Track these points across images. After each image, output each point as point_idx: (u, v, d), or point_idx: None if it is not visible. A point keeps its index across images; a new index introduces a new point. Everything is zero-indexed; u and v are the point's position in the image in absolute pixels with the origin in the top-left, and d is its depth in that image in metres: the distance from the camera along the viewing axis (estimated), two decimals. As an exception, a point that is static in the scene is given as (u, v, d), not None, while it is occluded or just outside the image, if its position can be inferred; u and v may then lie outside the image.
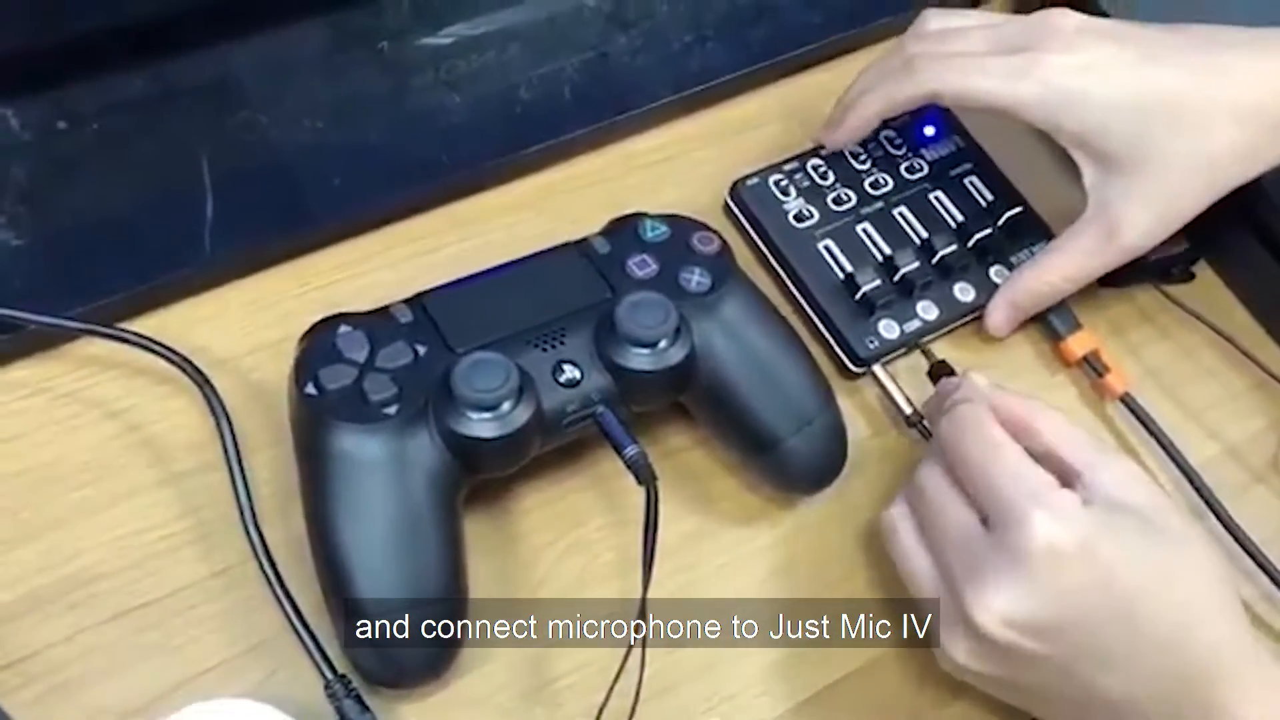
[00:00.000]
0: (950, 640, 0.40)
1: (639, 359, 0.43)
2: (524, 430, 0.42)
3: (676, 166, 0.56)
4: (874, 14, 0.60)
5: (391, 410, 0.41)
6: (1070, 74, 0.47)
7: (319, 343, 0.43)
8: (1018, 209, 0.54)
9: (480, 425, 0.41)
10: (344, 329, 0.43)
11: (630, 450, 0.42)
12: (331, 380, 0.41)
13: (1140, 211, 0.48)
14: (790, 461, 0.46)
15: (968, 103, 0.49)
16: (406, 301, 0.44)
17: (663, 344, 0.44)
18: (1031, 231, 0.54)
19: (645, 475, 0.42)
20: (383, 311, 0.44)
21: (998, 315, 0.52)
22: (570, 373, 0.43)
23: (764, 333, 0.46)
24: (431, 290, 0.45)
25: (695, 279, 0.46)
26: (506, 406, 0.41)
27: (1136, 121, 0.47)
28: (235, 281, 0.49)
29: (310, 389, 0.41)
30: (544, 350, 0.44)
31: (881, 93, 0.50)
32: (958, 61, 0.49)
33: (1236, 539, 0.49)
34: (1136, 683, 0.38)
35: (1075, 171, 0.52)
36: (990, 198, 0.55)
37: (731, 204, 0.54)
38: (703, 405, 0.46)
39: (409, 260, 0.51)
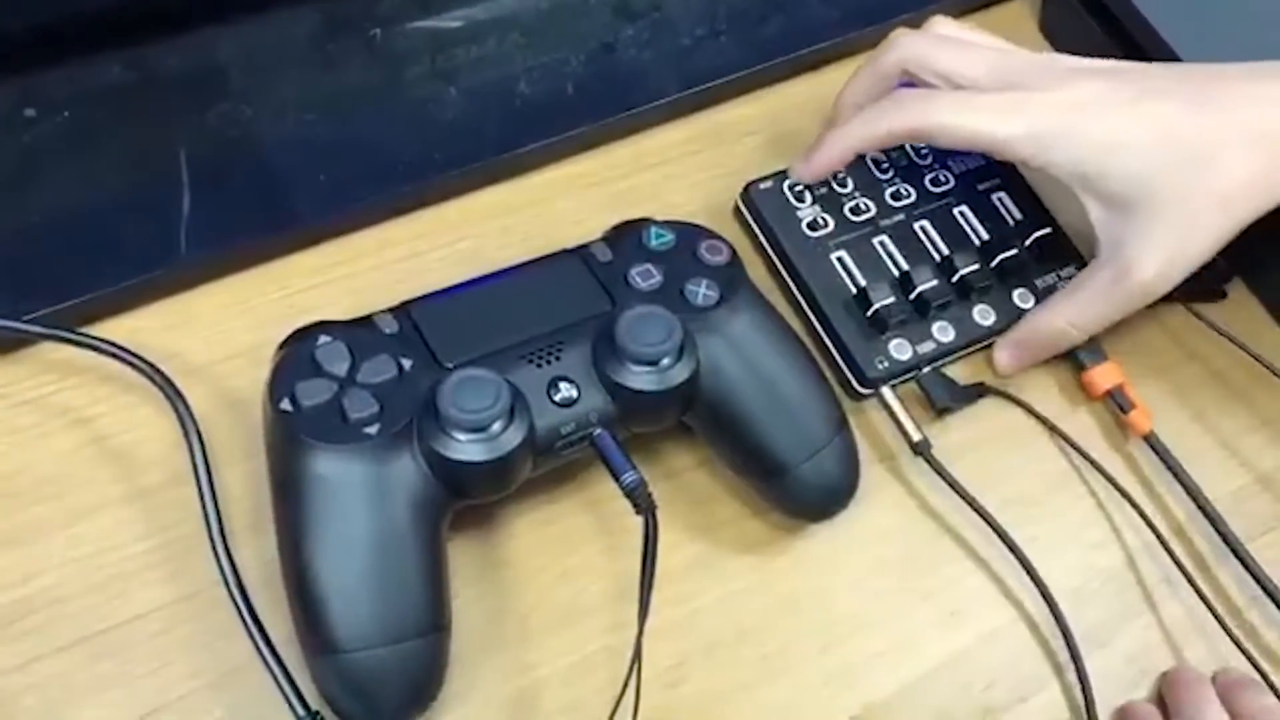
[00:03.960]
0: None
1: (639, 378, 0.41)
2: (515, 454, 0.39)
3: (685, 167, 0.53)
4: (893, 10, 0.57)
5: (372, 430, 0.38)
6: (1059, 111, 0.45)
7: (296, 354, 0.40)
8: (1046, 230, 0.51)
9: (468, 448, 0.38)
10: (324, 339, 0.40)
11: (628, 477, 0.40)
12: (308, 396, 0.39)
13: (1153, 252, 0.45)
14: (799, 489, 0.43)
15: (955, 142, 0.46)
16: (392, 310, 0.42)
17: (665, 362, 0.41)
18: (1059, 255, 0.51)
19: (644, 505, 0.39)
20: (366, 321, 0.41)
21: (1004, 357, 0.50)
22: (566, 391, 0.41)
23: (775, 351, 0.43)
24: (419, 299, 0.42)
25: (702, 291, 0.43)
26: (496, 428, 0.38)
27: (1136, 159, 0.45)
28: (212, 283, 0.46)
29: (285, 405, 0.38)
30: (539, 366, 0.41)
31: (862, 126, 0.48)
32: (945, 97, 0.47)
33: (1260, 583, 0.46)
34: None
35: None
36: (1019, 216, 0.52)
37: (742, 208, 0.51)
38: (707, 426, 0.43)
39: (398, 263, 0.48)
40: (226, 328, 0.46)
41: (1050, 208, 0.52)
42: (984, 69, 0.47)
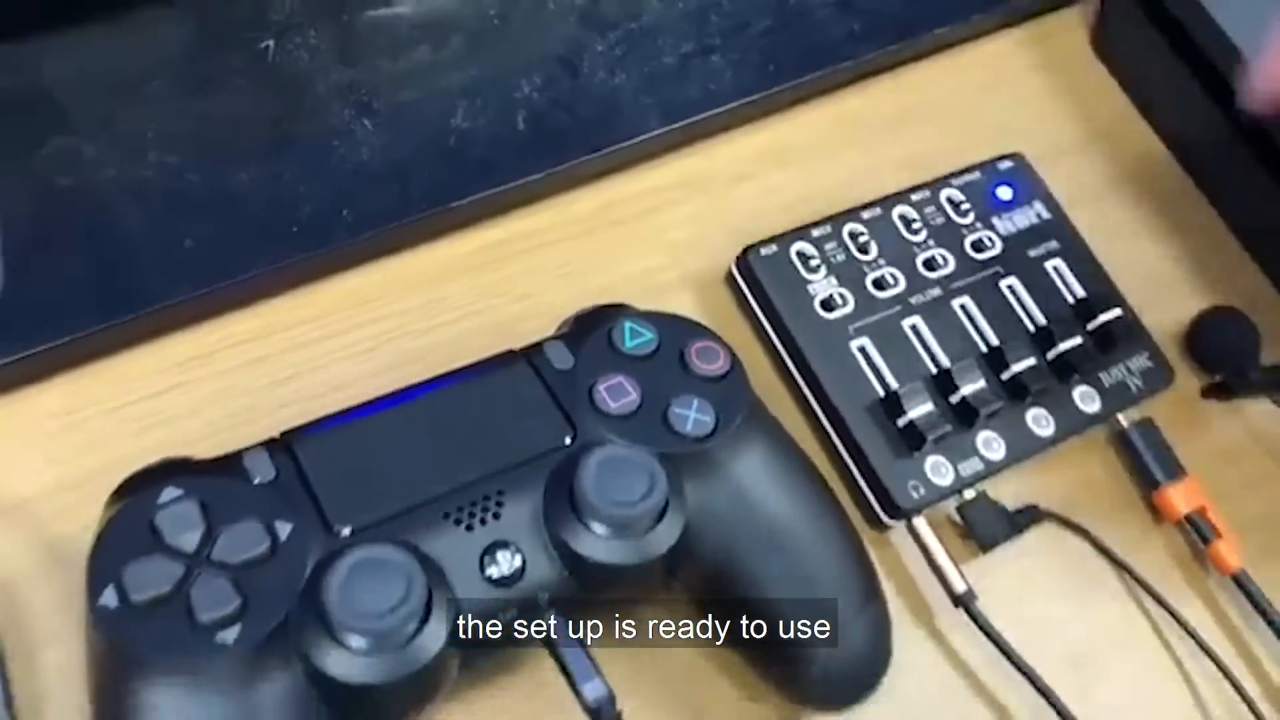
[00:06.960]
0: None
1: (608, 546, 0.30)
2: (432, 666, 0.28)
3: (663, 222, 0.42)
4: (926, 22, 0.46)
5: (230, 636, 0.27)
6: None
7: (128, 519, 0.28)
8: (1114, 312, 0.40)
9: (366, 663, 0.27)
10: (169, 495, 0.28)
11: (592, 690, 0.29)
12: (142, 585, 0.27)
13: None
14: (817, 675, 0.33)
15: None
16: (268, 446, 0.30)
17: (644, 524, 0.30)
18: (1130, 342, 0.41)
19: (613, 730, 0.28)
20: (232, 462, 0.30)
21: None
22: (506, 563, 0.30)
23: (790, 497, 0.33)
24: (306, 428, 0.31)
25: (693, 415, 0.32)
26: (408, 631, 0.27)
27: None
28: (34, 386, 0.35)
29: (108, 599, 0.27)
30: (469, 528, 0.30)
31: None
32: None
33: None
34: None
35: (1191, 262, 0.39)
36: (1080, 293, 0.41)
37: (739, 279, 0.40)
38: (697, 597, 0.33)
39: (284, 354, 0.37)
40: (53, 448, 0.34)
41: (1116, 277, 0.42)
42: None
